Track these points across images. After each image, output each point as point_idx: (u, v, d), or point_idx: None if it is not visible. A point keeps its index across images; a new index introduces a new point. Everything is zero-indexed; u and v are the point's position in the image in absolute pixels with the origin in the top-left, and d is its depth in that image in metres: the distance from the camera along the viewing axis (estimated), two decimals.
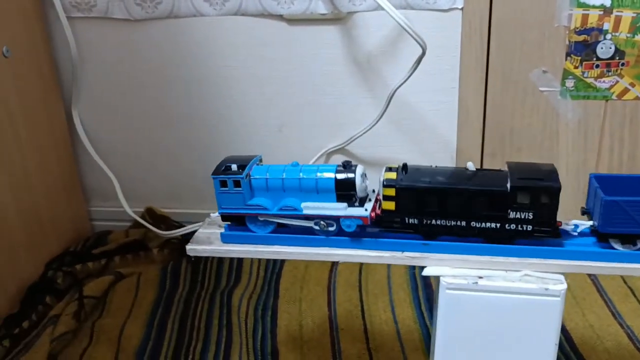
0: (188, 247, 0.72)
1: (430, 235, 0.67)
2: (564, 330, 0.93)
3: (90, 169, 1.28)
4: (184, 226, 1.24)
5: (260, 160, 0.72)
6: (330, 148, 1.19)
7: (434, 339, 0.69)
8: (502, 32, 1.07)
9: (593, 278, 1.05)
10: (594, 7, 1.02)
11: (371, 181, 0.69)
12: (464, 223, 0.65)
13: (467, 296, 0.65)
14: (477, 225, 0.65)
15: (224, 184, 0.69)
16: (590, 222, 0.67)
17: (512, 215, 0.64)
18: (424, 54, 1.01)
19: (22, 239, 1.06)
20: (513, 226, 0.64)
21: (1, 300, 1.01)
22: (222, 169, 0.69)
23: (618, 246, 0.64)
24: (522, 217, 0.63)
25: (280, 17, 1.11)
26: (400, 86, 1.07)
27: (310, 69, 1.14)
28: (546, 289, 0.63)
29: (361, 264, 1.13)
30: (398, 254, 0.67)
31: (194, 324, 0.99)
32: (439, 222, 0.66)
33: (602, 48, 1.04)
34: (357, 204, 0.67)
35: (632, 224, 0.62)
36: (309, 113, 1.18)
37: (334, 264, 1.13)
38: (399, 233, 0.68)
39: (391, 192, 0.66)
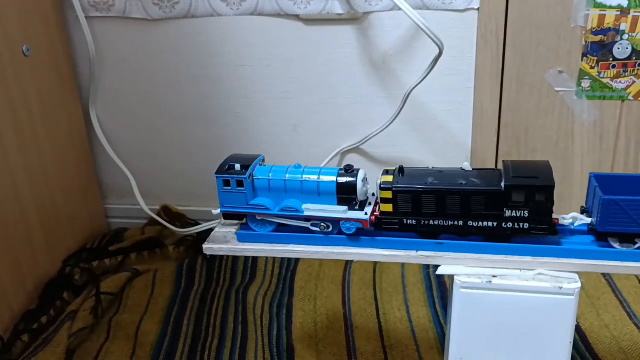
0: (205, 246, 0.73)
1: (428, 236, 0.68)
2: (578, 330, 0.93)
3: (107, 167, 1.30)
4: (200, 224, 1.25)
5: (263, 160, 0.74)
6: (344, 147, 1.20)
7: (449, 338, 0.69)
8: (518, 32, 1.07)
9: (608, 278, 1.05)
10: (610, 7, 1.02)
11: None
12: (461, 223, 0.66)
13: (482, 295, 0.65)
14: (475, 225, 0.66)
15: (227, 183, 0.70)
16: (588, 219, 0.67)
17: (508, 214, 0.65)
18: (440, 54, 1.01)
19: (41, 235, 1.08)
20: (510, 225, 0.65)
21: (20, 295, 1.02)
22: (226, 168, 0.70)
23: (617, 245, 0.65)
24: (519, 215, 0.64)
25: (296, 17, 1.12)
26: (416, 86, 1.07)
27: (325, 69, 1.15)
28: (560, 288, 0.63)
29: (375, 263, 1.13)
30: (413, 253, 0.68)
31: (210, 320, 1.00)
32: (436, 222, 0.67)
33: (618, 48, 1.04)
34: (357, 207, 0.68)
35: (631, 223, 0.63)
36: (324, 112, 1.18)
37: (349, 263, 1.14)
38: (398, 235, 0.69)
39: (388, 194, 0.67)
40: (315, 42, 1.13)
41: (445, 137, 1.17)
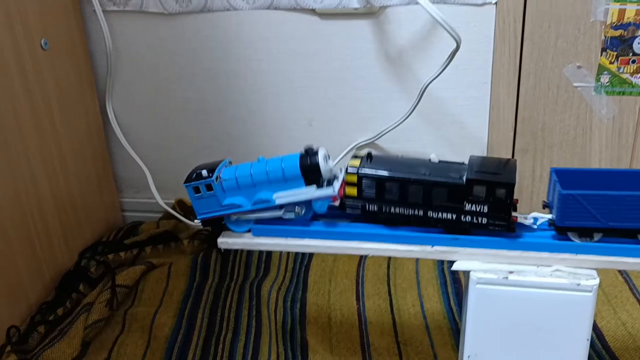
0: (219, 240, 0.73)
1: (389, 223, 0.69)
2: (595, 328, 0.92)
3: (123, 161, 1.31)
4: None
5: (230, 163, 0.74)
6: (359, 142, 1.19)
7: (464, 334, 0.69)
8: (536, 27, 1.06)
9: (625, 276, 1.04)
10: (631, 1, 1.00)
11: None
12: (421, 213, 0.67)
13: (498, 291, 0.65)
14: (434, 216, 0.67)
15: (197, 190, 0.72)
16: (550, 215, 0.67)
17: (468, 207, 0.65)
18: (458, 48, 1.01)
19: (58, 227, 1.09)
20: (469, 218, 0.66)
21: (37, 287, 1.03)
22: (193, 176, 0.72)
23: (576, 239, 0.65)
24: (478, 209, 0.65)
25: (312, 12, 1.11)
26: (432, 80, 1.06)
27: (341, 64, 1.14)
28: (578, 284, 0.62)
29: (389, 259, 1.13)
30: (428, 248, 0.67)
31: (224, 314, 1.00)
32: (397, 210, 0.68)
33: (638, 43, 1.03)
34: (325, 185, 0.69)
35: (589, 218, 0.62)
36: (339, 107, 1.18)
37: (363, 258, 1.13)
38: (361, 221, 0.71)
39: (353, 178, 0.68)
40: (331, 36, 1.13)
41: (461, 133, 1.16)
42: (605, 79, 1.06)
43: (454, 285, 1.04)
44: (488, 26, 1.07)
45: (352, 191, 0.69)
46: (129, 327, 0.98)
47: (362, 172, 0.68)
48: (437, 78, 1.06)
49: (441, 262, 1.11)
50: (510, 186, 0.63)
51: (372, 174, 0.68)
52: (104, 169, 1.26)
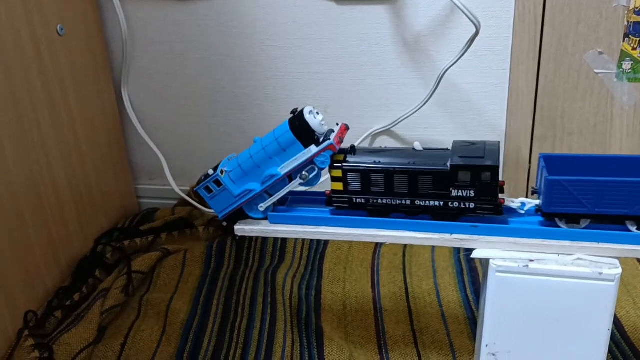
0: (236, 227, 0.73)
1: (377, 214, 0.69)
2: (614, 319, 0.91)
3: (139, 148, 1.31)
4: None
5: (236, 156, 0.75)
6: (376, 129, 1.18)
7: (482, 323, 0.68)
8: (556, 12, 1.03)
9: None
10: None
11: None
12: (408, 202, 0.67)
13: (518, 279, 0.64)
14: (422, 204, 0.67)
15: (208, 190, 0.74)
16: (537, 201, 0.67)
17: (454, 193, 0.66)
18: (477, 33, 0.99)
19: (74, 214, 1.09)
20: (456, 204, 0.66)
21: (54, 272, 1.04)
22: (202, 178, 0.74)
23: (563, 225, 0.64)
24: (464, 195, 0.65)
25: None
26: (450, 67, 1.05)
27: (357, 49, 1.13)
28: (600, 274, 0.61)
29: (405, 247, 1.12)
30: (447, 236, 0.67)
31: (239, 301, 1.00)
32: (384, 201, 0.68)
33: None
34: (322, 140, 0.69)
35: (576, 204, 0.62)
36: (355, 94, 1.17)
37: (378, 246, 1.13)
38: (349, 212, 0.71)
39: (338, 173, 0.69)
40: (347, 22, 1.11)
41: (479, 120, 1.14)
42: (627, 65, 1.04)
43: (471, 274, 1.03)
44: (508, 11, 1.05)
45: (338, 186, 0.69)
46: (144, 312, 0.99)
47: (347, 165, 0.68)
48: (455, 64, 1.05)
49: (457, 251, 1.10)
50: (494, 169, 0.63)
51: (357, 167, 0.68)
52: (120, 155, 1.27)
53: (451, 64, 1.05)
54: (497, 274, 0.64)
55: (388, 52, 1.12)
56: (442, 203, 0.66)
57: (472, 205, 0.65)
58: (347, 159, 0.69)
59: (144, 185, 1.35)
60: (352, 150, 0.70)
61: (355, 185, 0.69)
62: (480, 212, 0.66)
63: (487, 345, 0.68)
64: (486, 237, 0.66)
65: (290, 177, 0.71)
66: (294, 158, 0.69)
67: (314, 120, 0.68)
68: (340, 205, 0.70)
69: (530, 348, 0.67)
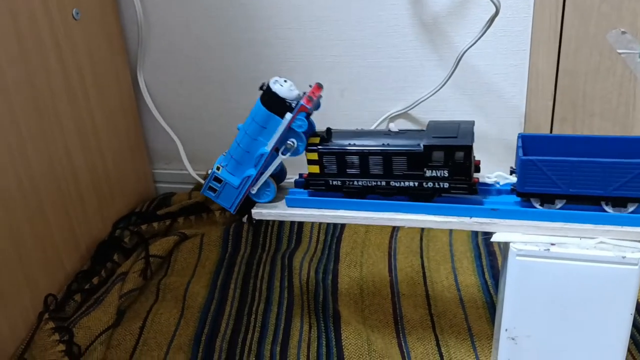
0: (253, 211, 0.73)
1: (354, 196, 0.70)
2: (637, 303, 0.90)
3: (155, 132, 1.31)
4: None
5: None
6: (392, 112, 1.17)
7: (501, 307, 0.67)
8: None
9: None
10: None
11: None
12: (384, 183, 0.68)
13: (539, 263, 0.63)
14: (397, 185, 0.68)
15: (212, 189, 0.76)
16: (514, 179, 0.66)
17: (428, 173, 0.66)
18: (497, 13, 0.97)
19: (92, 198, 1.10)
20: (430, 184, 0.66)
21: (73, 256, 1.04)
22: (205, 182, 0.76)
23: (538, 205, 0.64)
24: (438, 175, 0.65)
25: None
26: (469, 48, 1.03)
27: (373, 31, 1.12)
28: (623, 257, 0.60)
29: (422, 231, 1.11)
30: (466, 219, 0.66)
31: (256, 284, 1.00)
32: (360, 183, 0.69)
33: None
34: (295, 105, 0.70)
35: (550, 184, 0.62)
36: (372, 76, 1.16)
37: (395, 230, 1.12)
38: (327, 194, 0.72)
39: (314, 156, 0.70)
40: (363, 3, 1.10)
41: (498, 102, 1.13)
42: None
43: (489, 258, 1.02)
44: None
45: (314, 168, 0.70)
46: (162, 296, 0.99)
47: (322, 148, 0.69)
48: (474, 45, 1.03)
49: (475, 235, 1.09)
50: (467, 148, 0.63)
51: (332, 149, 0.69)
52: (136, 140, 1.27)
53: (470, 45, 1.03)
54: (518, 257, 0.63)
55: (405, 33, 1.11)
56: (416, 183, 0.67)
57: (446, 185, 0.66)
58: (323, 142, 0.70)
59: (160, 170, 1.35)
60: (328, 132, 0.71)
61: (331, 168, 0.70)
62: (455, 192, 0.66)
63: (506, 330, 0.67)
64: (506, 220, 0.65)
65: (278, 150, 0.72)
66: (276, 131, 0.70)
67: (282, 88, 0.69)
68: (317, 188, 0.71)
69: (550, 333, 0.66)
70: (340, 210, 0.70)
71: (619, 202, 0.62)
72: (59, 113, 1.00)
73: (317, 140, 0.70)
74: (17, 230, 0.90)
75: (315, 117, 1.21)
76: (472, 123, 0.67)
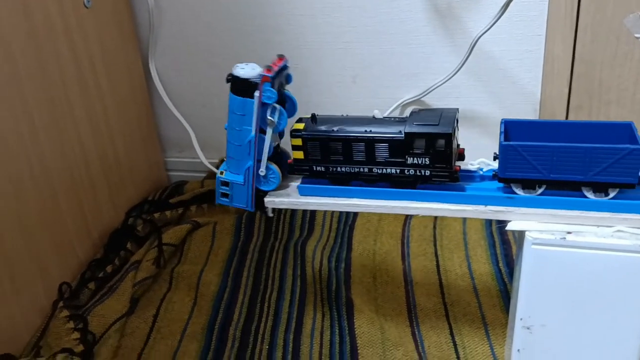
0: (266, 199, 0.72)
1: (337, 182, 0.70)
2: None
3: (167, 120, 1.30)
4: None
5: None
6: (405, 99, 1.16)
7: (516, 296, 0.67)
8: None
9: None
10: None
11: None
12: (366, 169, 0.68)
13: (555, 252, 0.62)
14: (379, 172, 0.68)
15: (224, 195, 0.76)
16: (497, 164, 0.66)
17: (410, 160, 0.66)
18: None
19: (104, 187, 1.10)
20: (412, 171, 0.67)
21: (86, 245, 1.05)
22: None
23: (519, 191, 0.64)
24: (420, 162, 0.66)
25: None
26: (483, 33, 1.01)
27: (386, 17, 1.10)
28: None
29: (435, 219, 1.11)
30: (481, 207, 0.65)
31: (269, 273, 1.00)
32: (344, 169, 0.69)
33: None
34: None
35: (531, 170, 0.62)
36: (384, 63, 1.14)
37: (408, 219, 1.11)
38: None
39: (298, 141, 0.70)
40: None
41: (513, 88, 1.11)
42: None
43: (503, 247, 1.01)
44: None
45: (299, 154, 0.71)
46: (175, 284, 0.99)
47: (306, 134, 0.70)
48: (489, 31, 1.02)
49: (489, 223, 1.08)
50: (447, 136, 0.63)
51: (316, 135, 0.69)
52: (148, 128, 1.27)
53: (484, 30, 1.02)
54: (533, 246, 0.62)
55: (418, 19, 1.09)
56: (398, 170, 0.67)
57: (428, 172, 0.66)
58: (307, 127, 0.70)
59: (172, 158, 1.35)
60: (313, 118, 0.71)
61: (315, 154, 0.70)
62: (436, 180, 0.66)
63: (521, 319, 0.67)
64: (522, 208, 0.64)
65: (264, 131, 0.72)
66: (253, 114, 0.70)
67: (243, 70, 0.70)
68: (301, 173, 0.72)
69: (566, 322, 0.65)
70: (354, 199, 0.70)
71: (600, 188, 0.62)
72: (70, 101, 1.00)
73: (301, 126, 0.71)
74: (29, 219, 0.90)
75: (325, 102, 1.21)
76: (456, 110, 0.68)
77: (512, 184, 0.64)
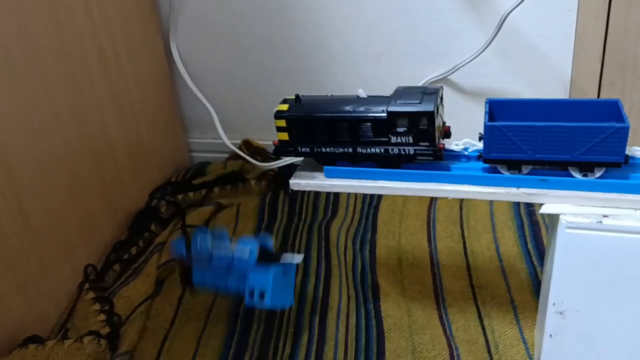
0: (292, 181, 0.71)
1: (323, 162, 0.70)
2: None
3: (189, 101, 1.29)
4: (280, 158, 1.23)
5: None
6: (431, 78, 1.13)
7: (548, 280, 0.65)
8: None
9: None
10: None
11: None
12: (351, 150, 0.67)
13: (590, 236, 0.60)
14: (363, 151, 0.67)
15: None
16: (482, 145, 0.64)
17: (393, 140, 0.65)
18: None
19: (127, 168, 1.10)
20: (396, 150, 0.66)
21: (111, 227, 1.05)
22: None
23: (505, 172, 0.63)
24: (403, 141, 0.65)
25: None
26: (513, 9, 0.98)
27: None
28: None
29: (462, 201, 1.09)
30: (514, 190, 0.63)
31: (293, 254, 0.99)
32: (328, 149, 0.68)
33: None
34: None
35: (515, 150, 0.61)
36: (410, 41, 1.12)
37: (433, 200, 1.10)
38: None
39: (282, 123, 0.69)
40: None
41: (542, 66, 1.08)
42: None
43: (532, 228, 0.99)
44: None
45: (283, 136, 0.70)
46: None
47: (289, 115, 0.69)
48: (518, 7, 0.98)
49: (517, 204, 1.06)
50: (429, 114, 0.62)
51: (300, 116, 0.68)
52: (171, 109, 1.26)
53: (514, 6, 0.99)
54: (568, 230, 0.60)
55: None
56: (382, 150, 0.66)
57: (412, 151, 0.65)
58: (291, 109, 0.69)
59: (195, 139, 1.35)
60: (297, 99, 0.70)
61: (299, 135, 0.69)
62: (421, 158, 0.65)
63: (554, 304, 0.65)
64: (556, 190, 0.62)
65: None
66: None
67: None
68: (286, 155, 0.72)
69: (600, 307, 0.63)
70: (381, 181, 0.68)
71: (586, 167, 0.61)
72: (92, 82, 0.99)
73: (285, 107, 0.70)
74: (55, 199, 0.90)
75: (350, 81, 1.18)
76: (439, 88, 0.67)
77: (497, 165, 0.64)
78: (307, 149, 0.70)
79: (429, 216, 1.06)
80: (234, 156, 1.28)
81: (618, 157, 0.59)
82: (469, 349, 0.79)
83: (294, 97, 0.71)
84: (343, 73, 1.18)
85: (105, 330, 0.85)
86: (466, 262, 0.94)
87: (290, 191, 1.14)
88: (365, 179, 0.68)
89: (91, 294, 0.92)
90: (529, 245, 0.96)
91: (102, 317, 0.88)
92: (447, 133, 0.69)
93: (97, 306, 0.89)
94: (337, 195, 1.13)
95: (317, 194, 1.13)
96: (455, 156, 0.70)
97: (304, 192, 1.14)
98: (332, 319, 0.86)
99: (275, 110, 0.70)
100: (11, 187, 0.81)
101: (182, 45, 1.24)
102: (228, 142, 1.25)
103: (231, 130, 1.27)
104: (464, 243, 0.98)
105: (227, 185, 1.19)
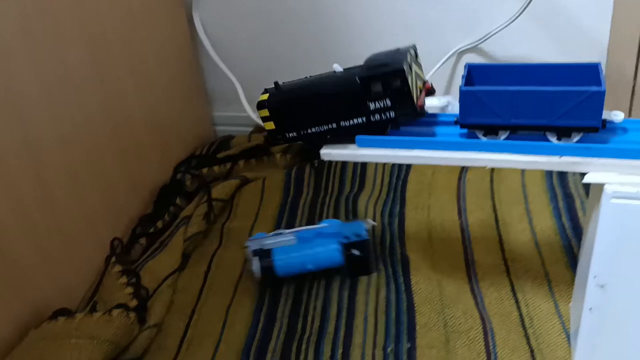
0: (322, 151, 0.69)
1: (313, 145, 0.68)
2: None
3: (213, 74, 1.28)
4: None
5: None
6: (461, 47, 1.10)
7: (589, 252, 0.63)
8: None
9: None
10: None
11: None
12: (334, 125, 0.66)
13: (636, 206, 0.57)
14: (347, 124, 0.66)
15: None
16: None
17: (372, 106, 0.64)
18: None
19: (151, 142, 1.09)
20: (377, 117, 0.64)
21: (136, 201, 1.04)
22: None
23: (482, 137, 0.63)
24: (382, 105, 0.64)
25: None
26: None
27: None
28: None
29: (492, 172, 1.06)
30: (555, 158, 0.61)
31: None
32: (314, 130, 0.67)
33: None
34: None
35: (491, 115, 0.60)
36: (439, 8, 1.08)
37: (463, 171, 1.07)
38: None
39: (265, 113, 0.68)
40: None
41: (577, 34, 1.04)
42: None
43: (566, 200, 0.96)
44: None
45: (270, 125, 0.69)
46: (226, 240, 0.98)
47: (269, 103, 0.67)
48: None
49: (550, 175, 1.03)
50: (400, 73, 0.61)
51: (280, 102, 0.67)
52: (194, 82, 1.24)
53: None
54: (613, 200, 0.58)
55: None
56: (364, 119, 0.65)
57: (392, 114, 0.64)
58: (271, 97, 0.68)
59: (219, 112, 1.33)
60: (277, 86, 0.69)
61: (284, 121, 0.68)
62: (403, 119, 0.65)
63: (595, 277, 0.63)
64: (601, 159, 0.59)
65: None
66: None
67: None
68: (279, 144, 0.71)
69: None
70: (415, 150, 0.66)
71: (563, 132, 0.60)
72: (113, 57, 0.97)
73: (265, 96, 0.68)
74: (77, 174, 0.89)
75: (378, 51, 1.15)
76: (411, 46, 0.66)
77: (475, 130, 0.63)
78: (295, 134, 0.69)
79: (459, 188, 1.04)
80: (259, 129, 1.26)
81: (595, 122, 0.58)
82: (502, 322, 0.77)
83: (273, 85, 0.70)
84: (371, 45, 1.15)
85: (133, 304, 0.84)
86: (498, 235, 0.92)
87: (316, 164, 1.12)
88: (399, 147, 0.66)
89: (118, 267, 0.91)
90: (564, 218, 0.93)
91: (130, 290, 0.87)
92: (429, 90, 0.69)
93: (124, 279, 0.89)
94: (364, 167, 1.11)
95: (343, 167, 1.11)
96: (433, 121, 0.69)
97: (330, 165, 1.12)
98: (362, 293, 0.84)
99: (257, 101, 0.70)
100: (34, 162, 0.80)
101: (205, 18, 1.22)
102: (252, 115, 1.23)
103: (255, 102, 1.25)
104: (496, 216, 0.96)
105: (252, 158, 1.17)
